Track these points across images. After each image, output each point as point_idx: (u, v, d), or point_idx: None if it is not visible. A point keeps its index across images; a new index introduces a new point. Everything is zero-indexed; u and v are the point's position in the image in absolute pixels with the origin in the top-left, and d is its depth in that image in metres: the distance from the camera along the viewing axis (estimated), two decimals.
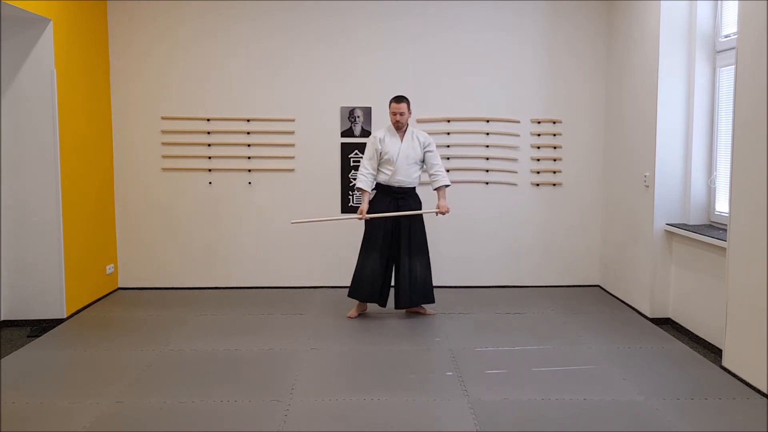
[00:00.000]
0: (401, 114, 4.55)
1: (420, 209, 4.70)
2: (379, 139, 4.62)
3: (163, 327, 4.57)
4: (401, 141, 4.61)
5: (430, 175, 4.70)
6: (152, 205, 5.59)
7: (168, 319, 4.77)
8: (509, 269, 5.73)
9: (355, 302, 4.87)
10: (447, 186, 4.69)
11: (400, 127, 4.62)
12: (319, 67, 5.53)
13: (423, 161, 4.68)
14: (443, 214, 4.67)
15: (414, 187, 4.73)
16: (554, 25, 5.54)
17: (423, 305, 4.86)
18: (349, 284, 4.82)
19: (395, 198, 4.65)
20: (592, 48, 5.57)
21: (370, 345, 4.21)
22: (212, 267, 5.66)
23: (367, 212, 4.58)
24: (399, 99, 4.58)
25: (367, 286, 4.65)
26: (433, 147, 4.68)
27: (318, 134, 5.54)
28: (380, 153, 4.61)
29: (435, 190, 4.70)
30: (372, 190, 4.66)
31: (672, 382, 3.57)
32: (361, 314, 4.84)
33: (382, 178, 4.65)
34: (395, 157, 4.57)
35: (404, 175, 4.62)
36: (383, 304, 4.77)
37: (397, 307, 4.74)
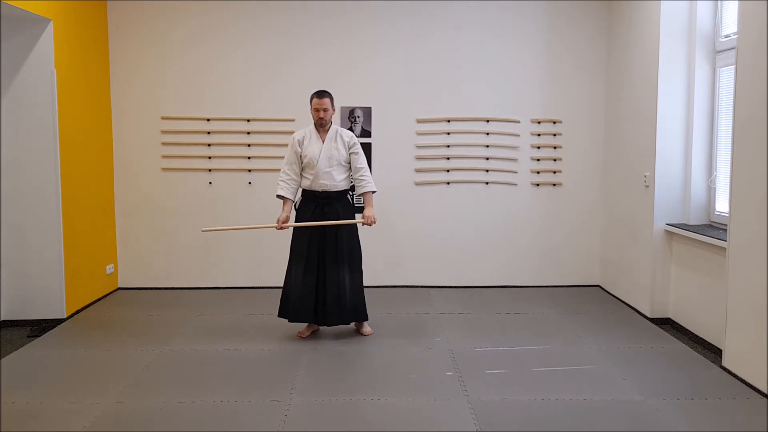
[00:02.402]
0: (324, 110, 4.17)
1: (350, 215, 4.29)
2: (298, 141, 4.24)
3: (163, 327, 4.56)
4: (323, 142, 4.23)
5: (353, 179, 4.29)
6: (152, 204, 5.59)
7: (168, 319, 4.77)
8: (509, 269, 5.73)
9: None
10: (373, 192, 4.27)
11: (323, 125, 4.23)
12: (319, 66, 5.53)
13: (349, 163, 4.29)
14: (368, 225, 4.21)
15: (343, 191, 4.30)
16: (554, 26, 5.54)
17: (361, 323, 4.41)
18: None
19: (320, 204, 4.22)
20: (592, 48, 5.57)
21: (370, 345, 4.21)
22: (212, 267, 5.65)
23: (289, 221, 4.22)
24: (321, 94, 4.19)
25: (293, 304, 4.20)
26: (357, 148, 4.27)
27: None
28: (300, 156, 4.24)
29: (360, 195, 4.31)
30: (298, 197, 4.32)
31: (672, 382, 3.57)
32: (314, 333, 4.41)
33: (305, 183, 4.25)
34: (316, 160, 4.18)
35: (327, 179, 4.20)
36: (319, 322, 4.30)
37: (325, 324, 4.28)
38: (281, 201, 4.27)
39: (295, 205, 4.32)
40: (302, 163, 4.26)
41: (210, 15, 5.47)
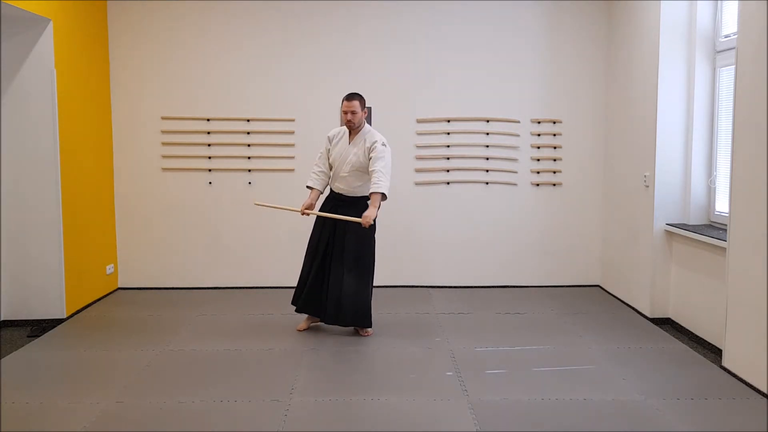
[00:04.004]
0: (353, 113, 4.17)
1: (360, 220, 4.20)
2: (329, 138, 4.35)
3: (163, 327, 4.56)
4: (348, 145, 4.25)
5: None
6: (152, 205, 5.59)
7: (168, 319, 4.77)
8: (509, 269, 5.72)
9: None
10: (380, 194, 4.09)
11: (352, 127, 4.24)
12: (319, 66, 5.53)
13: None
14: (363, 225, 4.06)
15: (361, 197, 4.28)
16: (555, 25, 5.54)
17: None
18: None
19: (336, 204, 4.31)
20: (592, 48, 5.57)
21: (370, 345, 4.21)
22: (212, 267, 5.65)
23: (313, 209, 4.30)
24: (351, 96, 4.21)
25: (303, 296, 4.33)
26: (378, 152, 4.14)
27: (318, 134, 5.50)
28: (329, 152, 4.33)
29: (369, 194, 4.21)
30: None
31: (672, 382, 3.58)
32: (316, 326, 4.47)
33: (330, 181, 4.38)
34: (336, 162, 4.27)
35: (343, 183, 4.26)
36: (323, 318, 4.33)
37: (324, 321, 4.32)
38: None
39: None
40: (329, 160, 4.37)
41: (210, 15, 5.47)
